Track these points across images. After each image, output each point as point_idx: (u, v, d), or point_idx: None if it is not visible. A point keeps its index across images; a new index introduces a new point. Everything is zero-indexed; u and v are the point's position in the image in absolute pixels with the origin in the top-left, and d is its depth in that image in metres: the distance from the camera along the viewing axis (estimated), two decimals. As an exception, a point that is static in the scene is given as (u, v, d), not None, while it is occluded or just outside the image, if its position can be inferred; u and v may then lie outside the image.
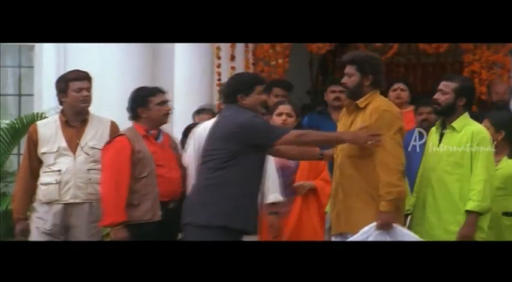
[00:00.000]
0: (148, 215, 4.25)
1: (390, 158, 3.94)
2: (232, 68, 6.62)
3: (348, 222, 4.05)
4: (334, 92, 5.64)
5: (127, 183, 4.22)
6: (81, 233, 4.37)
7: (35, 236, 4.44)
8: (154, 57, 6.54)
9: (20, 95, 7.29)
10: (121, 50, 5.83)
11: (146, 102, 4.41)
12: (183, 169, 4.50)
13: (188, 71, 6.58)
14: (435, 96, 4.22)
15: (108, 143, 4.36)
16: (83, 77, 4.55)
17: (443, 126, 4.22)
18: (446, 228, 4.09)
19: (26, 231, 4.48)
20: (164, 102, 4.46)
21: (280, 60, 6.74)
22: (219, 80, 6.65)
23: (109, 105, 5.64)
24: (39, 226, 4.43)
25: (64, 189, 4.40)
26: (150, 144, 4.40)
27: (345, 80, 4.11)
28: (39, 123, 4.66)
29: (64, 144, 4.46)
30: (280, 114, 4.64)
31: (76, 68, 4.73)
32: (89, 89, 4.53)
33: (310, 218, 4.62)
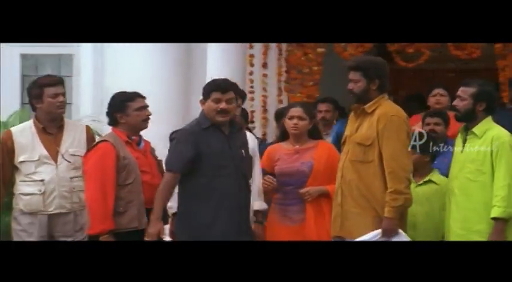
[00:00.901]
0: (135, 223, 4.13)
1: (399, 166, 3.94)
2: (265, 75, 6.69)
3: (343, 226, 4.04)
4: None
5: (113, 190, 4.10)
6: None
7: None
8: (188, 66, 6.62)
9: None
10: (158, 50, 5.84)
11: (124, 108, 4.28)
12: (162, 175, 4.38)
13: (220, 75, 6.61)
14: (454, 103, 4.14)
15: (90, 149, 4.23)
16: (57, 82, 4.46)
17: (467, 132, 4.13)
18: (470, 238, 3.98)
19: None
20: (143, 108, 4.33)
21: (315, 68, 6.80)
22: (252, 87, 6.75)
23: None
24: (25, 239, 4.32)
25: (49, 200, 4.31)
26: (133, 151, 4.27)
27: (351, 86, 4.09)
28: (13, 130, 4.47)
29: (45, 152, 4.34)
30: (291, 118, 4.51)
31: (48, 74, 4.70)
32: (64, 94, 4.43)
33: (324, 226, 4.36)
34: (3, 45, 6.71)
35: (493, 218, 3.92)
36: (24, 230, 4.35)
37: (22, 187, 4.35)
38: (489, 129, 4.06)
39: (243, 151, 4.18)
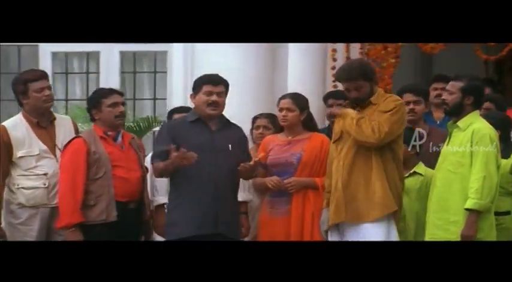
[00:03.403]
0: (103, 216, 4.17)
1: (384, 121, 4.03)
2: (345, 69, 6.81)
3: (348, 211, 4.05)
4: (436, 89, 5.54)
5: (83, 185, 4.17)
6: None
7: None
8: (272, 62, 6.82)
9: (154, 99, 7.70)
10: (244, 50, 6.06)
11: (98, 104, 4.32)
12: (143, 169, 4.41)
13: (301, 73, 6.63)
14: (443, 97, 4.19)
15: (66, 145, 4.31)
16: (41, 76, 4.45)
17: (453, 126, 4.17)
18: (447, 228, 4.02)
19: (3, 237, 4.38)
20: (116, 104, 4.33)
21: (392, 60, 6.88)
22: (334, 81, 6.91)
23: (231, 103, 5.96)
24: (25, 232, 4.37)
25: (52, 193, 4.37)
26: (108, 145, 4.29)
27: (355, 94, 4.12)
28: (7, 125, 4.46)
29: (43, 146, 4.40)
30: (281, 110, 4.46)
31: (32, 68, 4.79)
32: (49, 88, 4.45)
33: (309, 219, 4.33)
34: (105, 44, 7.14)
35: (466, 209, 3.95)
36: (23, 223, 4.39)
37: (22, 181, 4.37)
38: (473, 123, 4.09)
39: (229, 146, 4.19)
